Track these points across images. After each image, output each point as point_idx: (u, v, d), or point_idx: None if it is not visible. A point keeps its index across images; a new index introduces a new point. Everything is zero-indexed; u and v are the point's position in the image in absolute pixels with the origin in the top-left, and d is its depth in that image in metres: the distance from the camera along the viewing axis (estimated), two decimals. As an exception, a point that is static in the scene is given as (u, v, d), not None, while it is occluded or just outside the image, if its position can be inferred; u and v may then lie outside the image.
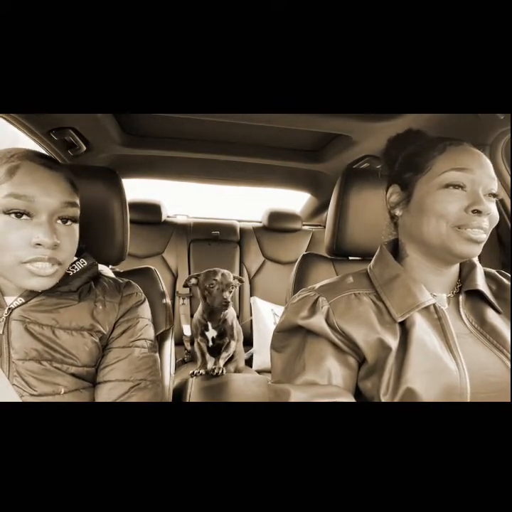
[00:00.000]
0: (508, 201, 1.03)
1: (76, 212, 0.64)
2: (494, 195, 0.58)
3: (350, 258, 0.99)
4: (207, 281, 1.33)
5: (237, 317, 1.92)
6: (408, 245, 0.64)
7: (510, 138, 0.95)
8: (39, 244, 0.57)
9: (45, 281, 0.60)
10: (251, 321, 1.88)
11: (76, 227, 0.64)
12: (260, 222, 2.17)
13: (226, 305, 1.29)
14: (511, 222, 1.05)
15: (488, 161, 0.58)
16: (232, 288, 1.34)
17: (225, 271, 1.36)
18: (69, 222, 0.62)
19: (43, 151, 1.24)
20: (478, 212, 0.55)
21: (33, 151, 0.62)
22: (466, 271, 0.65)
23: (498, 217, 0.58)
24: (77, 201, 0.64)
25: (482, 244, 0.57)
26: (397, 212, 0.65)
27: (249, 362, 1.71)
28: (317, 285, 0.65)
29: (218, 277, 1.32)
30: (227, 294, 1.30)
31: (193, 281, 1.39)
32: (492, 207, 0.57)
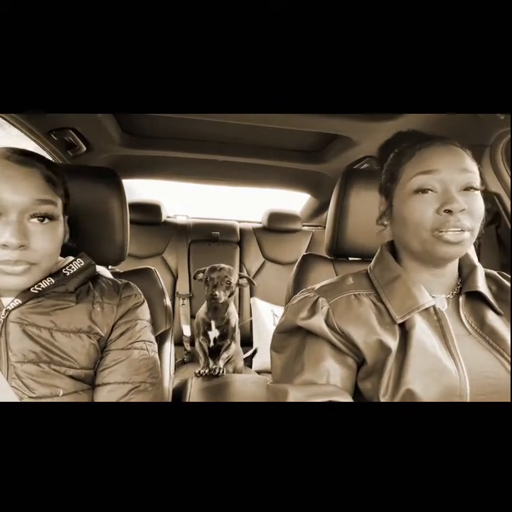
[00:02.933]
0: (508, 201, 1.03)
1: (52, 210, 0.60)
2: (473, 188, 0.56)
3: (350, 259, 0.99)
4: (206, 276, 1.37)
5: (237, 318, 1.92)
6: (400, 251, 0.65)
7: (511, 138, 0.95)
8: (5, 245, 0.55)
9: (17, 281, 0.58)
10: (251, 321, 1.88)
11: (55, 225, 0.61)
12: (260, 222, 2.17)
13: (213, 298, 1.33)
14: (511, 222, 1.05)
15: (462, 156, 0.57)
16: (229, 284, 1.36)
17: (227, 267, 1.38)
18: (46, 221, 0.59)
19: (44, 152, 1.25)
20: (449, 211, 0.54)
21: (11, 148, 0.61)
22: (466, 272, 0.64)
23: (481, 209, 0.57)
24: (54, 199, 0.61)
25: (465, 243, 0.56)
26: (385, 222, 0.65)
27: (249, 362, 1.71)
28: (317, 286, 0.65)
29: (215, 273, 1.35)
30: (221, 291, 1.33)
31: (200, 275, 1.42)
32: (471, 201, 0.55)
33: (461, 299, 0.62)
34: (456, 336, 0.57)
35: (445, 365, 0.54)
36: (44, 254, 0.60)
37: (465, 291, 0.63)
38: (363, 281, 0.64)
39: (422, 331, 0.56)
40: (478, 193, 0.57)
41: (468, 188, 0.56)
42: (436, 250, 0.56)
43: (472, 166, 0.57)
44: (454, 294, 0.63)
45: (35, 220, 0.58)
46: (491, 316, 0.60)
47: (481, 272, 0.64)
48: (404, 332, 0.57)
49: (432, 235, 0.56)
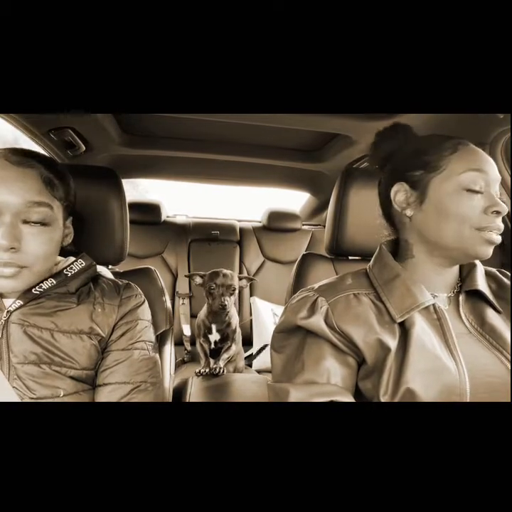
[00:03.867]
0: (508, 201, 1.03)
1: (46, 212, 0.59)
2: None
3: (350, 258, 0.99)
4: (209, 283, 1.34)
5: (237, 318, 1.92)
6: (416, 246, 0.63)
7: (510, 137, 0.95)
8: None
9: (7, 283, 0.57)
10: (251, 321, 1.88)
11: (50, 228, 0.60)
12: (260, 222, 2.17)
13: (223, 308, 1.30)
14: (511, 222, 1.05)
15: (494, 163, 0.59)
16: (233, 290, 1.34)
17: (229, 272, 1.36)
18: (40, 223, 0.59)
19: (44, 151, 1.25)
20: (497, 212, 0.56)
21: (12, 148, 0.60)
22: (466, 270, 0.65)
23: None
24: (50, 201, 0.60)
25: (496, 245, 0.58)
26: (408, 212, 0.62)
27: (250, 361, 1.71)
28: (316, 285, 0.65)
29: (219, 280, 1.32)
30: (226, 298, 1.31)
31: (199, 280, 1.39)
32: None
33: (461, 297, 0.63)
34: (456, 335, 0.57)
35: (445, 364, 0.54)
36: (36, 257, 0.59)
37: (465, 289, 0.63)
38: (362, 280, 0.64)
39: (421, 330, 0.56)
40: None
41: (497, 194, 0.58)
42: (475, 247, 0.57)
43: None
44: (454, 293, 0.63)
45: (28, 222, 0.58)
46: (491, 315, 0.61)
47: (480, 270, 0.65)
48: (404, 331, 0.57)
49: (473, 232, 0.57)
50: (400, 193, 0.63)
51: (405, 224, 0.64)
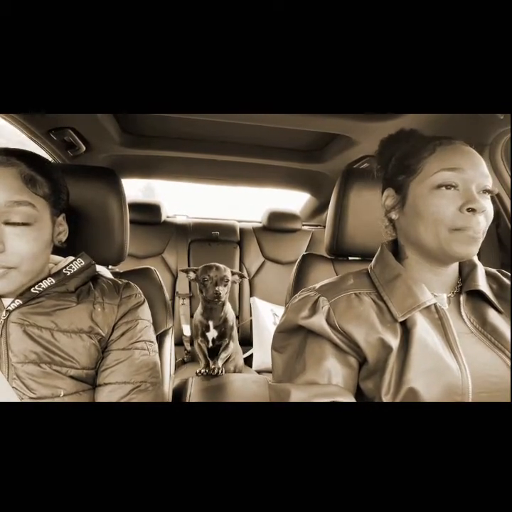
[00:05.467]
0: (508, 201, 1.03)
1: (28, 211, 0.58)
2: (489, 192, 0.57)
3: (350, 258, 0.99)
4: (202, 275, 1.37)
5: (237, 317, 1.92)
6: (406, 247, 0.64)
7: (510, 138, 0.95)
8: None
9: None
10: (251, 321, 1.88)
11: (34, 227, 0.59)
12: (260, 222, 2.17)
13: (217, 297, 1.32)
14: (511, 222, 1.05)
15: (481, 158, 0.58)
16: (227, 282, 1.36)
17: (222, 266, 1.38)
18: (22, 223, 0.58)
19: (43, 151, 1.25)
20: (472, 210, 0.55)
21: None
22: (467, 271, 0.64)
23: (493, 213, 0.58)
24: (32, 199, 0.59)
25: (479, 244, 0.57)
26: (393, 215, 0.64)
27: (249, 362, 1.71)
28: (318, 285, 0.65)
29: (212, 272, 1.35)
30: (220, 287, 1.33)
31: (192, 275, 1.42)
32: (487, 204, 0.57)
33: (462, 297, 0.62)
34: (458, 335, 0.57)
35: (447, 364, 0.54)
36: (23, 257, 0.58)
37: (466, 290, 0.63)
38: (364, 280, 0.64)
39: (423, 329, 0.56)
40: (490, 196, 0.58)
41: (485, 191, 0.57)
42: (452, 248, 0.56)
43: (488, 170, 0.58)
44: (454, 293, 0.63)
45: (11, 222, 0.57)
46: (492, 315, 0.61)
47: (481, 270, 0.65)
48: (406, 330, 0.57)
49: (449, 232, 0.56)
50: (388, 198, 0.65)
51: (396, 226, 0.66)
